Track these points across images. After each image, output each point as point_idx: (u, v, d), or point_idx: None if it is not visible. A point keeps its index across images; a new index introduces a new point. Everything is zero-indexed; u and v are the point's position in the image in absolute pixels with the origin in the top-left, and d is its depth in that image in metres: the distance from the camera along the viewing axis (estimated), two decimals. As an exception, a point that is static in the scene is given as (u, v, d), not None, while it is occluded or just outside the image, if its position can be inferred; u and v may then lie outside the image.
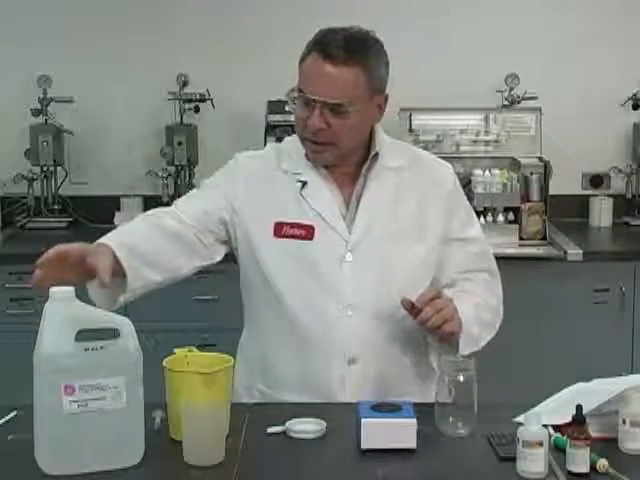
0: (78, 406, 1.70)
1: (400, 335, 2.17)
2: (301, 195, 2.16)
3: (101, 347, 1.72)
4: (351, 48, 2.06)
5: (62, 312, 1.71)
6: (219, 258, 2.21)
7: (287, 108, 2.21)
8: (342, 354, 2.13)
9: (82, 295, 1.80)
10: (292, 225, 2.14)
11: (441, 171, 2.27)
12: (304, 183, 2.16)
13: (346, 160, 2.18)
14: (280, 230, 2.15)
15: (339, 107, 2.06)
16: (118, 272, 1.96)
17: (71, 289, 1.75)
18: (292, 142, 2.23)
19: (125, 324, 1.75)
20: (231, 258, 2.25)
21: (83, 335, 1.72)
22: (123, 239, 2.03)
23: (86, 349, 1.71)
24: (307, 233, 2.14)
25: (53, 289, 1.74)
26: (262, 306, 2.20)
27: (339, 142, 2.11)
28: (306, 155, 2.18)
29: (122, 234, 2.08)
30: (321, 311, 2.12)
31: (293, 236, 2.14)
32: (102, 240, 2.00)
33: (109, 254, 1.94)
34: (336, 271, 2.13)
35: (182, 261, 2.13)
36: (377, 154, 2.18)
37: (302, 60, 2.11)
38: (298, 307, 2.13)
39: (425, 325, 2.02)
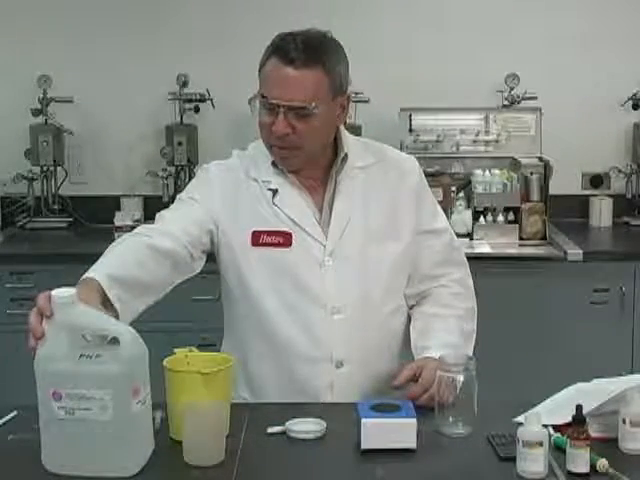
0: (65, 413, 1.66)
1: (385, 334, 2.18)
2: (274, 204, 2.15)
3: (97, 356, 1.66)
4: (310, 50, 2.05)
5: (62, 316, 1.67)
6: (199, 270, 2.16)
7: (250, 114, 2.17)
8: (329, 358, 2.13)
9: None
10: (269, 233, 2.13)
11: (406, 165, 2.26)
12: (275, 191, 2.16)
13: (314, 164, 2.17)
14: (258, 239, 2.14)
15: (303, 110, 2.05)
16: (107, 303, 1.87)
17: (73, 292, 1.69)
18: (257, 148, 2.21)
19: (127, 333, 1.68)
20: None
21: (85, 341, 1.67)
22: (114, 271, 1.91)
23: (80, 356, 1.66)
24: (285, 240, 2.13)
25: (55, 292, 1.69)
26: (243, 315, 2.18)
27: (305, 146, 2.10)
28: (273, 162, 2.17)
29: (113, 264, 1.95)
30: (305, 318, 2.12)
31: (271, 244, 2.13)
32: (91, 274, 1.88)
33: (97, 297, 1.83)
34: (317, 276, 2.13)
35: (170, 279, 2.08)
36: (346, 155, 2.17)
37: (262, 66, 2.10)
38: (281, 315, 2.13)
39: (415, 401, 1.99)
